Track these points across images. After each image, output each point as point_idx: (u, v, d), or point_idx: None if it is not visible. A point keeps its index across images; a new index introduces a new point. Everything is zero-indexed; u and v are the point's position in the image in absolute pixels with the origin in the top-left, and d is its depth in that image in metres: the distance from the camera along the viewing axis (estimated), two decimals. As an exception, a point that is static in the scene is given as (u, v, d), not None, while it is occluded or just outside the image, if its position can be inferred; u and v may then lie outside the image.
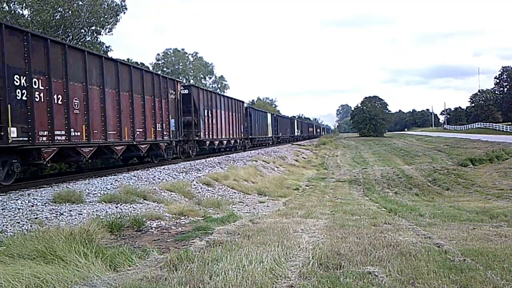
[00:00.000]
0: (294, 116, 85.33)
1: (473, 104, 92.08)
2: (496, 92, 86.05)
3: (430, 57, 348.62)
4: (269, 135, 38.89)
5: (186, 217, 8.15)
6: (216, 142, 22.72)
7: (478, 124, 75.63)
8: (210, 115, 21.19)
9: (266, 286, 3.54)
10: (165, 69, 61.60)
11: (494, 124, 70.33)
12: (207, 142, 21.07)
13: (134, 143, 13.78)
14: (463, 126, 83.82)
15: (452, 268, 4.05)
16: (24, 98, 9.00)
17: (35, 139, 9.26)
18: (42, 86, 9.55)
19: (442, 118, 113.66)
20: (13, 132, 8.68)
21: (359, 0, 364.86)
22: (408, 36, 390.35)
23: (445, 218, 8.80)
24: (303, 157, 35.11)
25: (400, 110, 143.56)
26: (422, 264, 4.13)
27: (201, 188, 12.47)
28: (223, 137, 23.79)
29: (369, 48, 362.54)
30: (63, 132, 10.26)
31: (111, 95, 12.45)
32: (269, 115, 39.62)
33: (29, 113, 9.10)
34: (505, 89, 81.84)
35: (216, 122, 22.16)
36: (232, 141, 25.96)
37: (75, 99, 10.73)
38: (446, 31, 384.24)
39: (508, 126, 62.46)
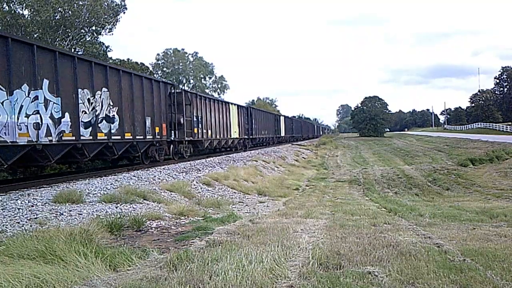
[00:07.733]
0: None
1: (473, 104, 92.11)
2: (496, 92, 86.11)
3: (430, 57, 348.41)
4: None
5: (186, 217, 8.15)
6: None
7: (478, 124, 75.62)
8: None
9: (266, 286, 3.54)
10: (165, 69, 61.64)
11: (494, 124, 70.30)
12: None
13: None
14: (463, 126, 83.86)
15: (452, 268, 4.04)
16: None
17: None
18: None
19: (442, 118, 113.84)
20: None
21: (358, 0, 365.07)
22: (408, 36, 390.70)
23: (445, 218, 8.78)
24: (303, 157, 35.11)
25: (400, 110, 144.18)
26: (422, 264, 4.12)
27: (201, 188, 12.47)
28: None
29: (369, 48, 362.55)
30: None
31: None
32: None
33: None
34: (505, 89, 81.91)
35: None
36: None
37: None
38: (445, 30, 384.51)
39: (508, 126, 62.42)
